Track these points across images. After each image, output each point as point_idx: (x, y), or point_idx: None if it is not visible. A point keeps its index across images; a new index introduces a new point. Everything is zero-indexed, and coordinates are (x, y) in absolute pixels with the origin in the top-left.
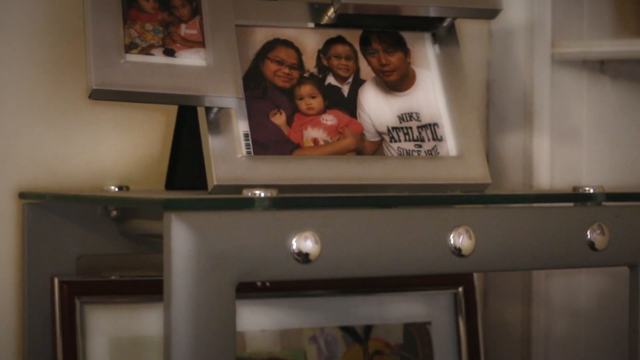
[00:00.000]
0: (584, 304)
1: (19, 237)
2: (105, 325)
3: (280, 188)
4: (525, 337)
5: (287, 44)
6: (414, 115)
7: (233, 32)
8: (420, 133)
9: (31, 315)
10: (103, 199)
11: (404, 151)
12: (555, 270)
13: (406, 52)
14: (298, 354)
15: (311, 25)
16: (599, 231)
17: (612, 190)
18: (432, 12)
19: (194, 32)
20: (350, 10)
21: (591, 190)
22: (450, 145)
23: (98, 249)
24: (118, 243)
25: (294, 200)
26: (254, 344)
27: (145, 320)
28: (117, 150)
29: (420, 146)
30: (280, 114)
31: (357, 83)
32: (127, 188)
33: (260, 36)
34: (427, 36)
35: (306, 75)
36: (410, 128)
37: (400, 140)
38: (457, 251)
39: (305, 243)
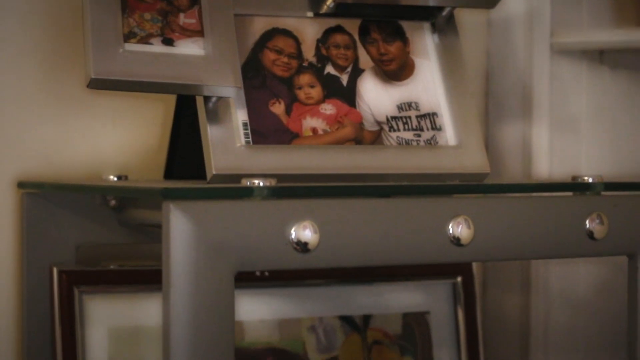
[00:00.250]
0: (583, 294)
1: (18, 226)
2: (104, 315)
3: (279, 177)
4: (524, 327)
5: (286, 33)
6: (413, 104)
7: (232, 21)
8: (419, 122)
9: (30, 304)
10: (102, 189)
11: (403, 141)
12: (554, 260)
13: (405, 41)
14: (297, 344)
15: (310, 14)
16: (597, 221)
17: (611, 180)
18: (431, 2)
19: (193, 21)
20: (349, 0)
21: (590, 180)
22: (449, 134)
23: (97, 239)
24: (117, 233)
25: (293, 189)
26: (253, 333)
27: (144, 310)
28: (116, 139)
29: (419, 136)
30: (279, 103)
31: (356, 72)
32: (126, 177)
33: (259, 25)
34: (426, 26)
35: (305, 64)
36: (409, 117)
37: (399, 130)
38: (456, 240)
39: (304, 232)
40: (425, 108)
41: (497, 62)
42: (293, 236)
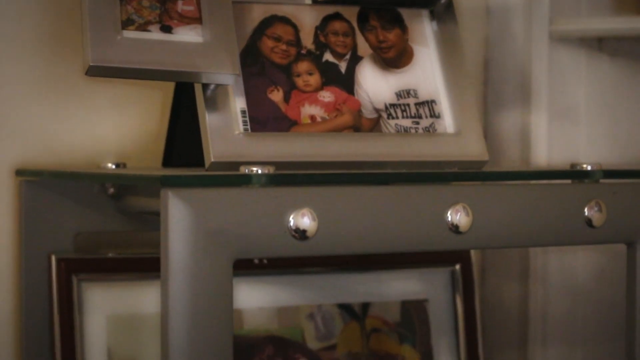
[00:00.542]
0: (582, 282)
1: (16, 214)
2: (103, 303)
3: (278, 165)
4: (523, 315)
5: (285, 20)
6: (412, 92)
7: (230, 8)
8: (417, 110)
9: (28, 292)
10: (100, 176)
11: (402, 128)
12: (553, 248)
13: (404, 28)
14: (295, 331)
15: (308, 1)
16: (596, 208)
17: (610, 168)
18: None
19: (191, 8)
20: None
21: (589, 168)
22: (447, 122)
23: (95, 227)
24: (115, 220)
25: (291, 177)
26: (252, 321)
27: (143, 298)
28: (114, 127)
29: (417, 123)
30: (278, 90)
31: (355, 60)
32: (124, 165)
33: (258, 12)
34: (425, 13)
35: (303, 52)
36: (408, 105)
37: (397, 117)
38: (455, 228)
39: (302, 220)
40: (423, 95)
41: (496, 49)
42: (291, 224)
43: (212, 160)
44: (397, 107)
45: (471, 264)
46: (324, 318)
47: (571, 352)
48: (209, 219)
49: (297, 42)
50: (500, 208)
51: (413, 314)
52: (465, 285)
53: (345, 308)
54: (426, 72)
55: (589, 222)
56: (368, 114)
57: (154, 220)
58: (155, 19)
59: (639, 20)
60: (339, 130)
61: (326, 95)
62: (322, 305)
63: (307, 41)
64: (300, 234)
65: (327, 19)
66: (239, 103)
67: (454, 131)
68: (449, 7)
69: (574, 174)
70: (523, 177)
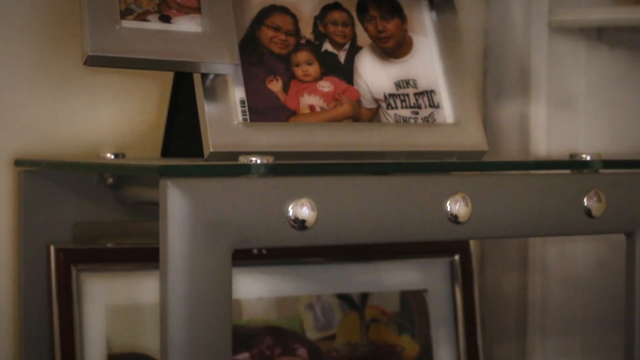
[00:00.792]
0: (581, 272)
1: (15, 204)
2: (102, 293)
3: (277, 155)
4: (522, 305)
5: (284, 10)
6: (411, 82)
7: None
8: (417, 100)
9: (27, 283)
10: (99, 166)
11: (401, 118)
12: (552, 238)
13: (403, 18)
14: (294, 322)
15: None
16: (595, 198)
17: (609, 158)
18: None
19: None
20: None
21: (588, 158)
22: (447, 112)
23: (94, 217)
24: (114, 211)
25: (290, 167)
26: (251, 311)
27: (142, 288)
28: (113, 117)
29: (417, 113)
30: (277, 80)
31: (354, 50)
32: (123, 155)
33: (257, 2)
34: (424, 3)
35: (302, 41)
36: (407, 95)
37: (396, 107)
38: (454, 218)
39: (301, 210)
40: (423, 85)
41: (495, 39)
42: (290, 214)
43: (211, 150)
44: (396, 97)
45: (470, 254)
46: (323, 308)
47: (570, 342)
48: (208, 209)
49: (296, 32)
50: (499, 198)
51: (412, 304)
52: (464, 276)
53: (344, 298)
54: (425, 62)
55: (588, 212)
56: (367, 104)
57: (153, 211)
58: (154, 8)
59: (638, 11)
60: (338, 120)
61: (325, 85)
62: (321, 295)
63: (306, 31)
64: (300, 224)
65: (326, 9)
66: (238, 93)
67: (453, 121)
68: None
69: (573, 164)
70: (522, 167)
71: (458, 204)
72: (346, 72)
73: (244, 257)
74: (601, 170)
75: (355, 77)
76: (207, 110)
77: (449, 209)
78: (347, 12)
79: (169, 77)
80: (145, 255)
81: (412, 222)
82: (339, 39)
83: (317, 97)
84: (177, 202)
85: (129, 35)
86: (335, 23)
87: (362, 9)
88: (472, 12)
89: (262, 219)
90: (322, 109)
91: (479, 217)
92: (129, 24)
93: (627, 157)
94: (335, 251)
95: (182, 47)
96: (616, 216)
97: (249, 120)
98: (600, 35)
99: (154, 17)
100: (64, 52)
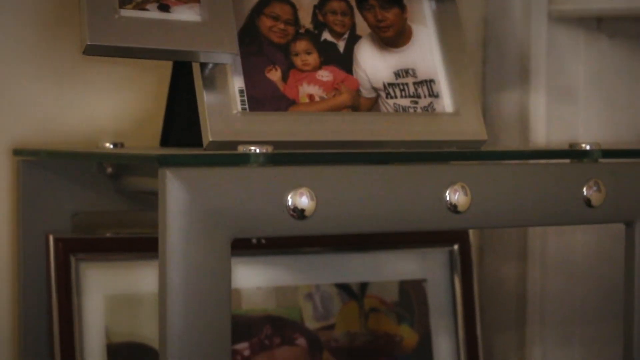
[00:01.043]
0: (580, 261)
1: (14, 194)
2: (101, 283)
3: (276, 144)
4: (521, 295)
5: None
6: (410, 71)
7: None
8: (416, 89)
9: (26, 272)
10: (98, 155)
11: (400, 107)
12: (551, 228)
13: (402, 8)
14: (294, 311)
15: None
16: (595, 188)
17: (609, 147)
18: None
19: None
20: None
21: (587, 147)
22: (446, 101)
23: (93, 206)
24: (113, 200)
25: (290, 156)
26: (250, 301)
27: (141, 278)
28: (112, 107)
29: (416, 102)
30: (276, 70)
31: (353, 39)
32: (122, 145)
33: None
34: None
35: (302, 31)
36: (407, 84)
37: (396, 97)
38: (453, 207)
39: (300, 199)
40: (422, 75)
41: (495, 29)
42: (289, 203)
43: (210, 139)
44: (395, 87)
45: (469, 244)
46: (322, 298)
47: (569, 332)
48: (206, 199)
49: (295, 21)
50: (498, 188)
51: (411, 294)
52: (463, 265)
53: (343, 288)
54: (425, 52)
55: (587, 201)
56: (366, 93)
57: (152, 200)
58: None
59: (637, 0)
60: (337, 109)
61: (324, 75)
62: (320, 285)
63: (306, 20)
64: (299, 213)
65: None
66: (237, 82)
67: (452, 110)
68: None
69: (573, 153)
70: (522, 157)
71: (457, 193)
72: (345, 62)
73: (243, 247)
74: (600, 160)
75: (355, 67)
76: (206, 100)
77: (448, 199)
78: (347, 1)
79: (168, 66)
80: (144, 245)
81: (412, 212)
82: (338, 28)
83: (316, 87)
84: (176, 192)
85: (127, 24)
86: (334, 12)
87: None
88: (471, 2)
89: (261, 208)
90: (322, 98)
91: (478, 207)
92: (127, 13)
93: (627, 146)
94: (334, 241)
95: (181, 36)
96: (615, 206)
97: (248, 110)
98: (599, 25)
99: (153, 6)
100: (63, 41)
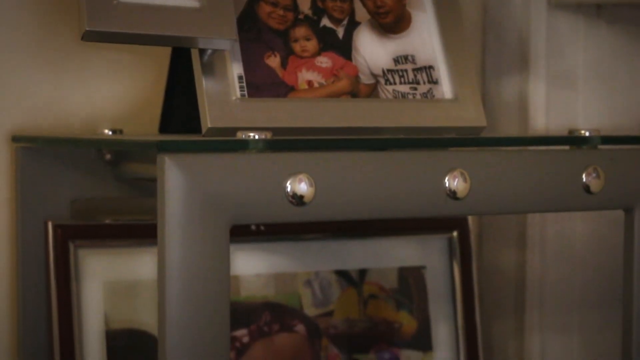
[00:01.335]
0: (579, 248)
1: (12, 181)
2: (100, 269)
3: (275, 130)
4: (520, 281)
5: None
6: (410, 57)
7: None
8: (415, 76)
9: (25, 259)
10: (97, 142)
11: (399, 94)
12: (550, 214)
13: None
14: (293, 298)
15: None
16: (594, 174)
17: (608, 134)
18: None
19: None
20: None
21: (587, 133)
22: (445, 88)
23: (92, 193)
24: (112, 187)
25: (289, 142)
26: (249, 288)
27: (140, 264)
28: (111, 93)
29: (415, 89)
30: (275, 56)
31: (352, 25)
32: (121, 132)
33: None
34: None
35: (301, 17)
36: (406, 71)
37: (395, 83)
38: (452, 194)
39: (299, 185)
40: (421, 61)
41: (494, 15)
42: (288, 189)
43: (209, 125)
44: (394, 73)
45: (468, 230)
46: (321, 284)
47: (568, 318)
48: (205, 185)
49: (294, 7)
50: (498, 174)
51: (410, 281)
52: (462, 252)
53: (342, 274)
54: (424, 38)
55: (586, 188)
56: (366, 79)
57: (150, 187)
58: None
59: None
60: (336, 96)
61: (323, 61)
62: (319, 271)
63: (305, 6)
64: (297, 199)
65: None
66: (235, 68)
67: (451, 97)
68: None
69: (572, 139)
70: (521, 143)
71: (456, 179)
72: (344, 48)
73: (242, 233)
74: (600, 146)
75: (354, 53)
76: (205, 86)
77: (447, 185)
78: None
79: (166, 52)
80: (143, 232)
81: (411, 198)
82: (337, 15)
83: (315, 73)
84: (174, 178)
85: (126, 10)
86: None
87: None
88: None
89: (260, 194)
90: (321, 84)
91: (477, 193)
92: None
93: (626, 133)
94: (333, 227)
95: (179, 22)
96: (615, 192)
97: (247, 96)
98: (599, 11)
99: None
100: (61, 27)
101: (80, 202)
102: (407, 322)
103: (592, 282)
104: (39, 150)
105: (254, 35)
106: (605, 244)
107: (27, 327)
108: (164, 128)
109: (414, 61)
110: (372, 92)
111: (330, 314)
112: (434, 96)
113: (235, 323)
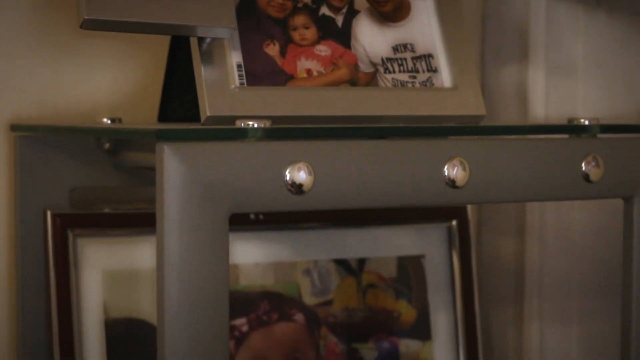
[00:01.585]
0: (578, 237)
1: (11, 170)
2: (99, 258)
3: (274, 119)
4: (519, 271)
5: None
6: (409, 46)
7: None
8: (414, 64)
9: (24, 248)
10: (96, 130)
11: (399, 82)
12: (550, 203)
13: None
14: (292, 287)
15: None
16: (593, 163)
17: (607, 122)
18: None
19: None
20: None
21: (586, 122)
22: (444, 76)
23: (91, 182)
24: (111, 175)
25: (288, 131)
26: (248, 276)
27: (139, 253)
28: (110, 82)
29: (414, 77)
30: (274, 44)
31: (351, 13)
32: (120, 120)
33: None
34: None
35: (300, 5)
36: (405, 59)
37: (394, 72)
38: (452, 183)
39: (298, 174)
40: (420, 50)
41: (494, 4)
42: (287, 178)
43: (208, 114)
44: (394, 62)
45: (468, 219)
46: (320, 273)
47: (567, 307)
48: (204, 174)
49: None
50: (497, 163)
51: (409, 270)
52: (461, 241)
53: (341, 263)
54: (423, 26)
55: (586, 177)
56: (365, 68)
57: (149, 175)
58: None
59: None
60: (335, 84)
61: (323, 49)
62: (318, 260)
63: None
64: (297, 188)
65: None
66: (234, 57)
67: (451, 86)
68: None
69: (572, 128)
70: (520, 132)
71: (456, 168)
72: (344, 36)
73: (241, 222)
74: (599, 135)
75: (353, 41)
76: (204, 75)
77: (446, 174)
78: None
79: (165, 41)
80: (142, 220)
81: (410, 187)
82: (336, 3)
83: (314, 61)
84: (173, 167)
85: None
86: None
87: None
88: None
89: (259, 183)
90: (320, 73)
91: (476, 182)
92: None
93: (626, 121)
94: (332, 216)
95: (179, 10)
96: (614, 181)
97: (245, 85)
98: (598, 0)
99: None
100: (60, 15)
101: (79, 191)
102: (406, 311)
103: (591, 271)
104: (37, 139)
105: (253, 23)
106: (605, 232)
107: (26, 317)
108: (162, 117)
109: (413, 50)
110: (371, 80)
111: (329, 303)
112: (433, 85)
113: (234, 312)
